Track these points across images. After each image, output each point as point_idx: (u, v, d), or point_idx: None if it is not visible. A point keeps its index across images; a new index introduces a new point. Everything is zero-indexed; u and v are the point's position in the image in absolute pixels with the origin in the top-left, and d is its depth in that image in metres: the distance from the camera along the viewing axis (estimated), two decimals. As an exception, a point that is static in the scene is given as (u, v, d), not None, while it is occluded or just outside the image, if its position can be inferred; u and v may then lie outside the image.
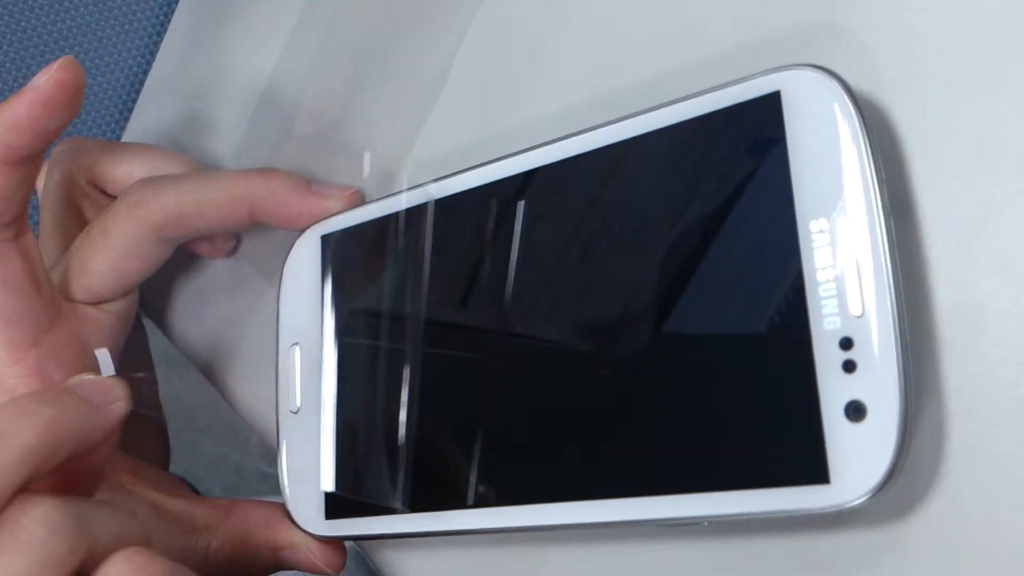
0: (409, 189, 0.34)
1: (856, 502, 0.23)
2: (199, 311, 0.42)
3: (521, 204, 0.31)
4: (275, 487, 0.35)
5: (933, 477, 0.23)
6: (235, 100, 0.44)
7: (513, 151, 0.31)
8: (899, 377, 0.23)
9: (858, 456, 0.23)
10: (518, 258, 0.30)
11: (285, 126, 0.41)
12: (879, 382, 0.23)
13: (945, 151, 0.24)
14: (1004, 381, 0.23)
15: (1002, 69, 0.23)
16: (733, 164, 0.26)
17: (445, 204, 0.33)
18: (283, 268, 0.37)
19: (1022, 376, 0.22)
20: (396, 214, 0.34)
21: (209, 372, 0.42)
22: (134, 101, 0.50)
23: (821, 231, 0.24)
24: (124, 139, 0.51)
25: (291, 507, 0.35)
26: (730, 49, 0.28)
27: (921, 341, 0.24)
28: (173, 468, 0.43)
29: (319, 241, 0.36)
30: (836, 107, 0.24)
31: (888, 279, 0.23)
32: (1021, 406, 0.22)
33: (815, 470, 0.23)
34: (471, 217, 0.32)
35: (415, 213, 0.34)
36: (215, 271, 0.42)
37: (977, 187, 0.23)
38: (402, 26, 0.38)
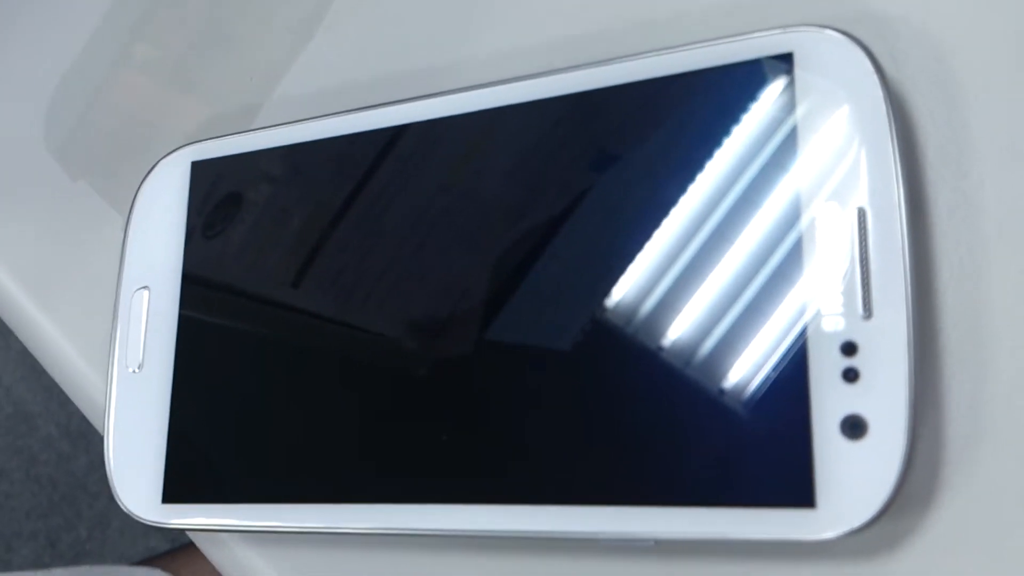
0: (298, 122, 0.28)
1: (846, 531, 0.19)
2: (15, 229, 0.35)
3: (441, 154, 0.26)
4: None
5: (927, 507, 0.20)
6: (71, 15, 0.36)
7: (439, 90, 0.26)
8: (908, 392, 0.20)
9: (852, 478, 0.20)
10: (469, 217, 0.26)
11: (125, 50, 0.35)
12: (885, 396, 0.20)
13: (969, 149, 0.21)
14: (1016, 405, 0.20)
15: (1041, 63, 0.21)
16: (728, 131, 0.23)
17: (345, 143, 0.28)
18: (136, 194, 0.30)
19: (1039, 404, 0.20)
20: (276, 150, 0.29)
21: (13, 310, 0.34)
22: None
23: (829, 217, 0.21)
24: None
25: (118, 487, 0.28)
26: (725, 3, 0.25)
27: (926, 354, 0.21)
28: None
29: (188, 168, 0.30)
30: (859, 79, 0.21)
31: (905, 279, 0.20)
32: (1035, 437, 0.20)
33: (799, 491, 0.20)
34: (362, 164, 0.27)
35: (299, 152, 0.28)
36: (44, 184, 0.34)
37: (1003, 191, 0.21)
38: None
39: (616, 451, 0.22)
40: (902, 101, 0.22)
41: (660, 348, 0.22)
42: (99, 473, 0.95)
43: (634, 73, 0.24)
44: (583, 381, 0.23)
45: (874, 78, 0.21)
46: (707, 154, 0.22)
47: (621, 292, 0.23)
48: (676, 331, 0.22)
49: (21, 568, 0.95)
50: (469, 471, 0.24)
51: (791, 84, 0.22)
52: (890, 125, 0.21)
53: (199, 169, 0.30)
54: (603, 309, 0.23)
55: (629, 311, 0.23)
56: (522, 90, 0.25)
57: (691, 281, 0.22)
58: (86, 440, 0.96)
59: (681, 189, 0.23)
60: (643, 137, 0.23)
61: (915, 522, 0.20)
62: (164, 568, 0.58)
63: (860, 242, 0.21)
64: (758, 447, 0.21)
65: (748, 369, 0.21)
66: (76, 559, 0.96)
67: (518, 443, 0.23)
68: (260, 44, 0.32)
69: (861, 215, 0.21)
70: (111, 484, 0.28)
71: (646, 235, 0.23)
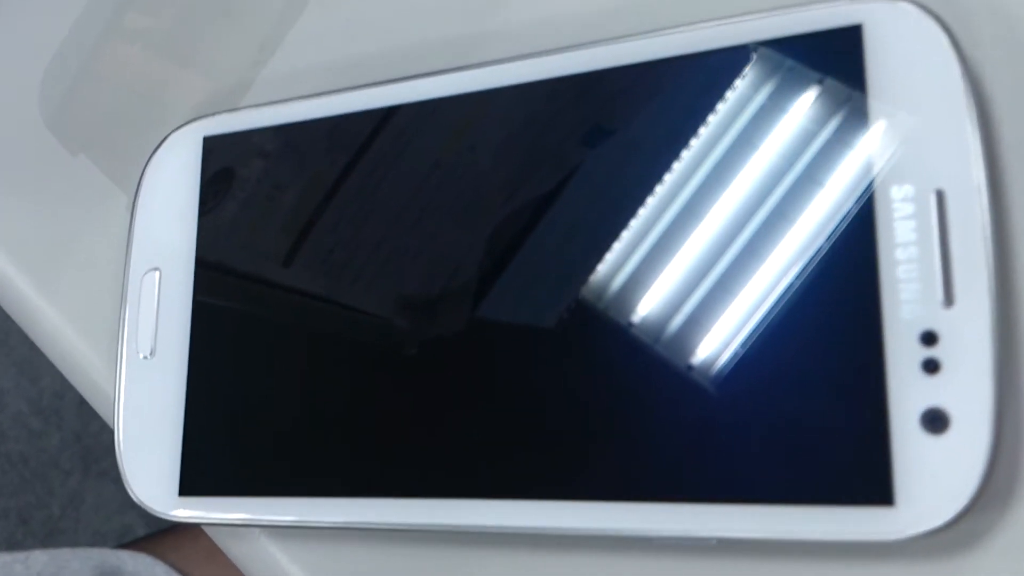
0: (317, 96, 0.27)
1: (927, 530, 0.19)
2: (11, 208, 0.33)
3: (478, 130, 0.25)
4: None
5: (1008, 503, 0.19)
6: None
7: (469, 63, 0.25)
8: (993, 383, 0.19)
9: (934, 475, 0.19)
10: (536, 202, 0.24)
11: (116, 19, 0.33)
12: (968, 388, 0.19)
13: (1047, 125, 0.20)
14: (1103, 399, 0.19)
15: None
16: (793, 108, 0.21)
17: (360, 119, 0.26)
18: (144, 171, 0.28)
19: None
20: (294, 125, 0.27)
21: (11, 294, 0.33)
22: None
23: (904, 199, 0.20)
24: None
25: (130, 480, 0.27)
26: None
27: (1009, 342, 0.20)
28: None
29: (200, 143, 0.28)
30: (935, 55, 0.20)
31: (988, 264, 0.19)
32: (1122, 430, 0.19)
33: (877, 488, 0.19)
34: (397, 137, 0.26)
35: (320, 127, 0.27)
36: (41, 159, 0.32)
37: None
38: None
39: (676, 444, 0.21)
40: (977, 78, 0.21)
41: (729, 338, 0.21)
42: (71, 450, 0.93)
43: (689, 44, 0.23)
44: (642, 371, 0.22)
45: (951, 53, 0.20)
46: (771, 131, 0.21)
47: (685, 279, 0.22)
48: (746, 320, 0.21)
49: (-7, 547, 0.93)
50: (508, 465, 0.23)
51: (860, 59, 0.21)
52: (969, 104, 0.20)
53: (211, 144, 0.28)
54: (662, 300, 0.22)
55: (689, 300, 0.22)
56: (570, 60, 0.23)
57: (760, 267, 0.21)
58: (58, 417, 0.94)
59: (743, 169, 0.21)
60: (701, 112, 0.22)
61: (996, 519, 0.19)
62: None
63: (940, 226, 0.19)
64: (832, 441, 0.20)
65: (822, 359, 0.20)
66: (49, 537, 0.94)
67: (564, 436, 0.22)
68: (262, 12, 0.30)
69: (940, 197, 0.20)
70: (123, 477, 0.27)
71: (710, 217, 0.22)
